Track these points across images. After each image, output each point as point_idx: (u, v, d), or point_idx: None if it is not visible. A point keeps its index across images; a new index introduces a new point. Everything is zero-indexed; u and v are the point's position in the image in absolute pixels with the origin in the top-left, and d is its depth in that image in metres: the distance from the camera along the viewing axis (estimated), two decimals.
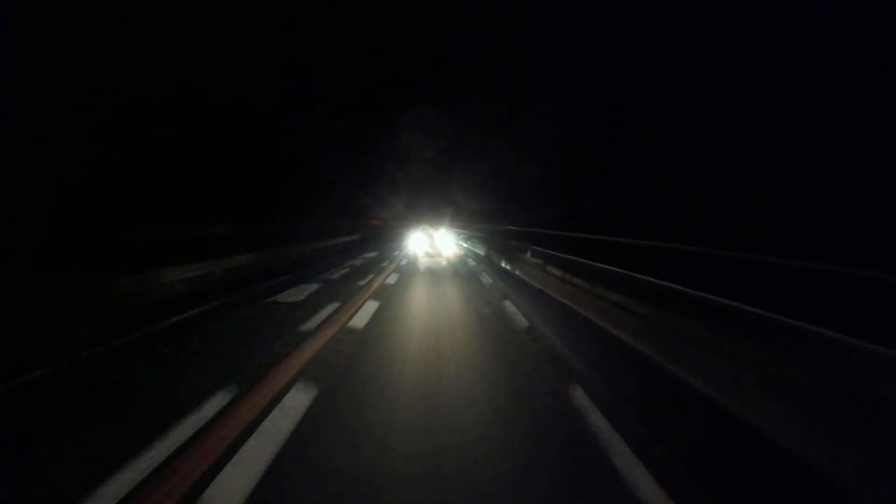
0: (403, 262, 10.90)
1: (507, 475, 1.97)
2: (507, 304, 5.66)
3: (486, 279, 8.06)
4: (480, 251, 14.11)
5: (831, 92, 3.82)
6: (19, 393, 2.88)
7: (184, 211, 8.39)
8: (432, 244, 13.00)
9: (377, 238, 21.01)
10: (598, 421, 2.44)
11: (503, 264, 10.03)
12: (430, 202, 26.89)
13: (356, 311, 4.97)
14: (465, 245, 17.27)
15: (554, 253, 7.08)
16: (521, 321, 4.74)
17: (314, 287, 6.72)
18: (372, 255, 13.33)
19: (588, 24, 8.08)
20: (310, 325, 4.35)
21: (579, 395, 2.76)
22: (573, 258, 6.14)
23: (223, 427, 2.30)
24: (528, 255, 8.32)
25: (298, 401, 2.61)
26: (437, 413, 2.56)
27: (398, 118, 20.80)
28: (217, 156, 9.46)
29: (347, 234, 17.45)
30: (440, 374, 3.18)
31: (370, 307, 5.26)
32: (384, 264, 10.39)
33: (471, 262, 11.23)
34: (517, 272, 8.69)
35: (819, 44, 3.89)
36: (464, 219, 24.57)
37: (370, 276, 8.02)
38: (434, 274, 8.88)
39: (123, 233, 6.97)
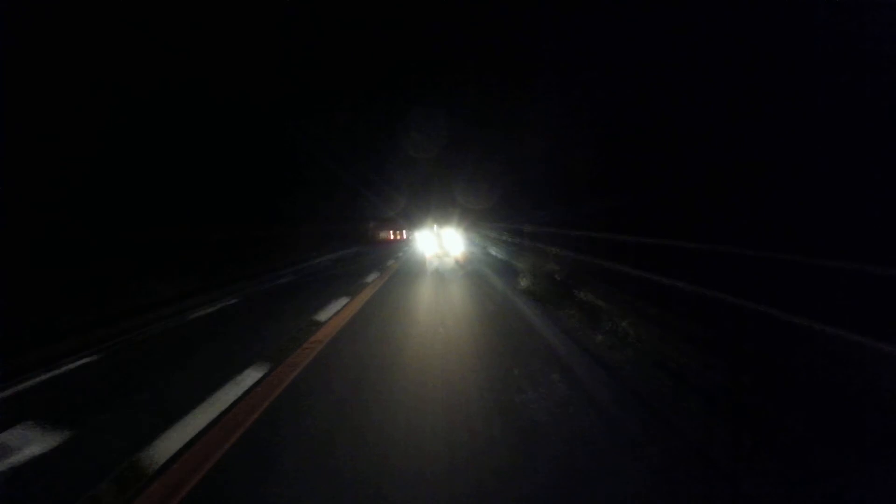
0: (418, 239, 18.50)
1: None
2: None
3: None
4: (490, 250, 14.71)
5: (832, 92, 3.77)
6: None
7: (183, 212, 8.51)
8: (440, 244, 12.86)
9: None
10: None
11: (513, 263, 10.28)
12: (437, 201, 26.85)
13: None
14: (474, 243, 17.28)
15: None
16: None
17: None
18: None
19: (588, 25, 8.04)
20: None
21: None
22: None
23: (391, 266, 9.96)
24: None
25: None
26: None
27: (401, 116, 20.81)
28: (220, 155, 9.58)
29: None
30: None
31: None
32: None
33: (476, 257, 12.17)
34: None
35: (819, 44, 3.84)
36: (472, 218, 24.49)
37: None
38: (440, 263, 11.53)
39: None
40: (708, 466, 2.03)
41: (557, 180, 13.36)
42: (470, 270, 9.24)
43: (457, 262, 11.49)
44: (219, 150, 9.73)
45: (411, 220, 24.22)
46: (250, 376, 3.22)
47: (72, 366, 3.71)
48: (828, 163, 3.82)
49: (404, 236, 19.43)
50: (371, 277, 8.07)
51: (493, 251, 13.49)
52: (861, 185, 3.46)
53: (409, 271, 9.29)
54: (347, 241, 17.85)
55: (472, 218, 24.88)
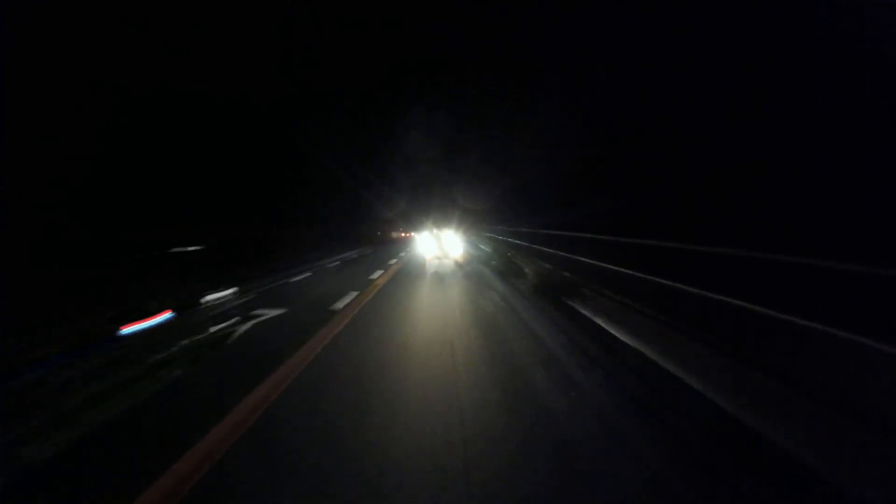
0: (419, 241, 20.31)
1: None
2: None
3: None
4: (481, 246, 16.66)
5: (832, 92, 3.77)
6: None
7: (183, 212, 8.51)
8: (440, 245, 13.05)
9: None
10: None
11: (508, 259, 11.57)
12: (437, 202, 26.86)
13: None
14: (470, 243, 17.52)
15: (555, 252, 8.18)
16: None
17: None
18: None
19: (588, 25, 8.02)
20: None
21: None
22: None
23: (403, 257, 15.00)
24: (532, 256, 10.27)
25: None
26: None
27: (401, 116, 20.80)
28: (220, 155, 9.57)
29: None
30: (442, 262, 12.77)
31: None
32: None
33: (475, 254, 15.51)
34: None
35: (819, 44, 3.83)
36: (471, 219, 24.46)
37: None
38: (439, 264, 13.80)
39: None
40: (574, 342, 4.73)
41: (557, 180, 13.36)
42: (464, 264, 12.82)
43: (456, 262, 12.21)
44: (219, 151, 9.73)
45: (412, 221, 24.36)
46: (351, 294, 7.34)
47: (250, 297, 7.28)
48: (828, 163, 3.81)
49: (410, 235, 24.84)
50: (392, 262, 13.32)
51: (483, 247, 18.52)
52: (861, 186, 3.46)
53: (417, 262, 13.60)
54: (349, 240, 20.30)
55: (472, 219, 24.87)
